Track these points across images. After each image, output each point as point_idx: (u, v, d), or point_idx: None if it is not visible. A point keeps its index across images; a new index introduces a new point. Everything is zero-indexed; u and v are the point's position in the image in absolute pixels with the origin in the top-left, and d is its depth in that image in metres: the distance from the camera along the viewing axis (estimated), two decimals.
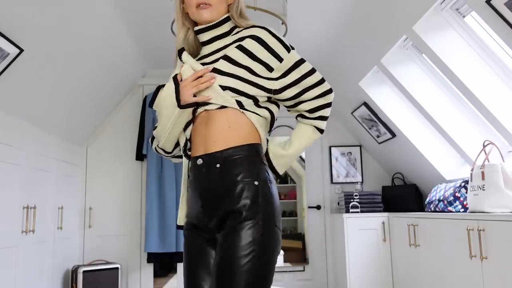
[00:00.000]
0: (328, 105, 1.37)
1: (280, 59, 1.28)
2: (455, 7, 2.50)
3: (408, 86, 3.14)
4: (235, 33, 1.34)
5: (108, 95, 3.87)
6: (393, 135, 3.76)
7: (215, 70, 1.25)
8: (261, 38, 1.27)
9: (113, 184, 4.05)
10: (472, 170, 2.65)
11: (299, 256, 4.39)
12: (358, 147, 4.51)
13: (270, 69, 1.27)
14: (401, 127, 3.59)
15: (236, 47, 1.27)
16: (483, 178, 2.51)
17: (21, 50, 2.31)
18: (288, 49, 1.30)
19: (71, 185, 3.75)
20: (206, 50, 1.37)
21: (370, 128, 4.03)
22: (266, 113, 1.30)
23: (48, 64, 2.71)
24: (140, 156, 4.03)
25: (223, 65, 1.25)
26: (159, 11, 2.92)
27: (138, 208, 4.04)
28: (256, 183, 1.19)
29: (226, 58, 1.26)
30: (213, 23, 1.32)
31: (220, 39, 1.35)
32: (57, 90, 3.02)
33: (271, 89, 1.28)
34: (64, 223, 3.50)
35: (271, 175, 1.27)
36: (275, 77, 1.28)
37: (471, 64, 2.57)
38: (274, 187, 1.25)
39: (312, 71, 1.33)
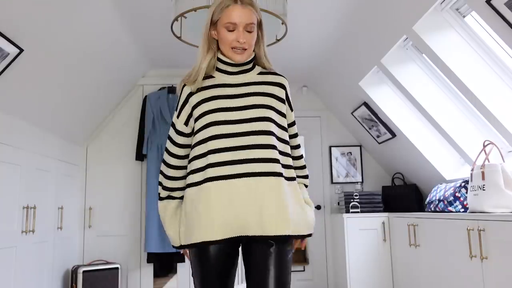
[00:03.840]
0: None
1: (289, 115, 1.55)
2: (455, 7, 2.50)
3: (408, 86, 3.14)
4: (260, 73, 1.52)
5: (108, 95, 3.87)
6: (393, 135, 3.76)
7: (255, 105, 1.44)
8: (287, 92, 1.53)
9: (113, 184, 4.05)
10: (472, 170, 2.65)
11: (299, 256, 4.39)
12: (358, 147, 4.51)
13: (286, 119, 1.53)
14: (401, 127, 3.59)
15: (267, 92, 1.46)
16: (483, 178, 2.51)
17: (21, 50, 2.31)
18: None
19: (71, 185, 3.75)
20: (228, 79, 1.48)
21: (370, 128, 4.03)
22: None
23: (48, 64, 2.70)
24: (140, 156, 4.03)
25: (261, 100, 1.45)
26: (159, 12, 2.92)
27: (138, 208, 4.04)
28: None
29: (262, 95, 1.46)
30: (243, 62, 1.48)
31: (245, 73, 1.49)
32: (57, 90, 3.02)
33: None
34: (64, 223, 3.50)
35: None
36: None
37: (471, 64, 2.57)
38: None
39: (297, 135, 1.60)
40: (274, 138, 1.41)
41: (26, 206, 2.83)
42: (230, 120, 1.39)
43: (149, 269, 3.98)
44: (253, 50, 1.49)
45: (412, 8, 2.52)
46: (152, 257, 3.87)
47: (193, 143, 1.46)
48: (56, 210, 3.37)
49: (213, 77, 1.49)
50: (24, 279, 2.82)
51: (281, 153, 1.43)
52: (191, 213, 1.39)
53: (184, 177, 1.50)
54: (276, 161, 1.38)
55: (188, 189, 1.43)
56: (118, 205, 4.03)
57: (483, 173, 2.51)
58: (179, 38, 2.49)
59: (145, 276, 3.97)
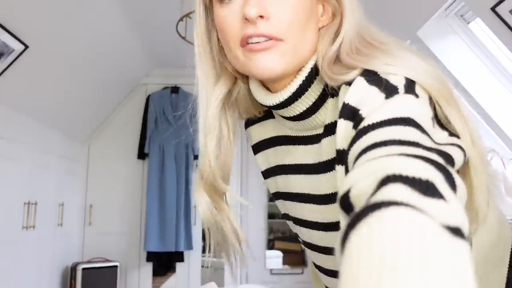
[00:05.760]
0: None
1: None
2: (459, 13, 2.51)
3: None
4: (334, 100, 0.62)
5: (111, 93, 3.88)
6: None
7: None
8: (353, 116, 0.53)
9: (114, 182, 4.06)
10: None
11: (298, 259, 4.39)
12: None
13: None
14: None
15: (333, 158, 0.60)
16: None
17: (26, 47, 2.33)
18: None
19: (72, 182, 3.76)
20: (290, 124, 0.68)
21: None
22: None
23: (52, 61, 2.72)
24: (141, 155, 4.04)
25: None
26: (164, 10, 2.93)
27: (139, 207, 4.05)
28: None
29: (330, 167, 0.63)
30: (295, 89, 0.61)
31: (311, 115, 0.64)
32: (61, 87, 3.03)
33: None
34: (64, 219, 3.50)
35: None
36: None
37: (474, 71, 2.57)
38: None
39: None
40: None
41: (27, 202, 2.84)
42: (309, 222, 0.70)
43: (148, 267, 3.98)
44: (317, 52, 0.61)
45: (417, 13, 2.53)
46: (151, 256, 3.88)
47: None
48: (57, 206, 3.38)
49: (269, 114, 0.73)
50: (24, 274, 2.83)
51: None
52: None
53: None
54: None
55: None
56: (119, 203, 4.04)
57: None
58: (183, 38, 2.51)
59: (144, 275, 3.97)
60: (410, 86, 0.52)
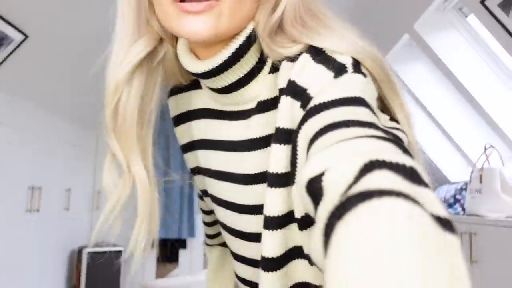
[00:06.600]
0: None
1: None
2: (457, 6, 2.45)
3: (412, 85, 3.10)
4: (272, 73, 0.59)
5: None
6: None
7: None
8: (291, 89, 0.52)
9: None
10: (471, 172, 2.61)
11: None
12: None
13: None
14: None
15: (268, 135, 0.58)
16: (480, 182, 2.46)
17: (26, 36, 2.40)
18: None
19: (80, 168, 3.87)
20: (218, 97, 0.63)
21: None
22: None
23: (56, 51, 2.78)
24: None
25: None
26: None
27: None
28: None
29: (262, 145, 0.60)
30: (227, 57, 0.56)
31: (240, 88, 0.59)
32: (66, 75, 3.10)
33: None
34: (71, 204, 3.61)
35: None
36: None
37: (472, 65, 2.52)
38: None
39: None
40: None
41: (32, 187, 2.94)
42: (224, 202, 0.67)
43: (152, 253, 4.08)
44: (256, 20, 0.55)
45: (413, 6, 2.48)
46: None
47: None
48: (63, 191, 3.49)
49: (197, 84, 0.68)
50: (28, 256, 2.95)
51: None
52: None
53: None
54: None
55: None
56: None
57: (481, 176, 2.47)
58: None
59: (148, 259, 4.07)
60: (357, 66, 0.51)
